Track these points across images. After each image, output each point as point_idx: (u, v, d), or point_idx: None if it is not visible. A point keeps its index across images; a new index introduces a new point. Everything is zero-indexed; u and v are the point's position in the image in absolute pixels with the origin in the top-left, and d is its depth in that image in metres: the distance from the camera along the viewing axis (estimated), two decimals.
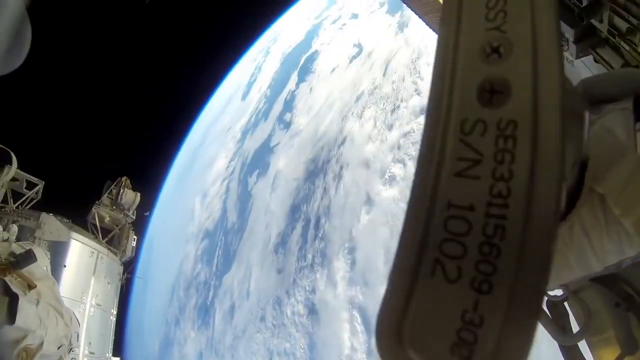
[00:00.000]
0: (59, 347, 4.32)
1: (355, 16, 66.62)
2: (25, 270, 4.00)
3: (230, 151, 73.94)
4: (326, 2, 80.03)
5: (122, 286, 13.13)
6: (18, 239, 7.97)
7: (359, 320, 32.82)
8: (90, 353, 10.27)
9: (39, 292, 4.05)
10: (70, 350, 5.49)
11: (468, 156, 0.43)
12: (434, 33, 12.59)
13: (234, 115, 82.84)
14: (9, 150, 11.34)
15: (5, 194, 11.85)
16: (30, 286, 3.91)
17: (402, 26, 48.31)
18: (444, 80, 0.46)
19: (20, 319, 3.27)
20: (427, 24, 11.90)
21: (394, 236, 26.80)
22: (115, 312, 12.20)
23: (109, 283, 11.88)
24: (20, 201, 12.20)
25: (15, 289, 3.41)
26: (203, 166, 79.97)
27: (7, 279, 3.53)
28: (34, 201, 12.64)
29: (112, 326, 12.00)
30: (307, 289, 39.25)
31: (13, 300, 3.22)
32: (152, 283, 70.55)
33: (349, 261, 35.49)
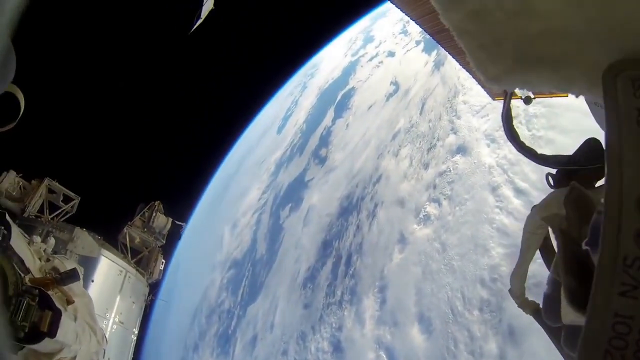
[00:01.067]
0: None
1: (391, 54, 67.92)
2: (66, 286, 4.13)
3: (263, 183, 75.07)
4: (362, 40, 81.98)
5: (146, 307, 13.36)
6: (52, 251, 8.40)
7: None
8: None
9: (75, 308, 4.17)
10: None
11: (629, 282, 0.83)
12: (468, 73, 12.95)
13: (268, 147, 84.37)
14: None
15: (42, 205, 12.49)
16: (69, 302, 4.04)
17: (438, 64, 48.81)
18: (613, 224, 0.87)
19: (60, 333, 3.31)
20: (460, 64, 12.24)
21: (426, 276, 26.51)
22: (136, 332, 12.26)
23: (133, 302, 12.04)
24: (56, 213, 12.71)
25: (57, 303, 3.45)
26: (235, 196, 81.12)
27: (50, 293, 3.54)
28: (69, 215, 13.07)
29: (132, 345, 12.04)
30: (334, 325, 38.80)
31: (56, 314, 3.27)
32: (175, 306, 70.87)
33: (378, 300, 35.01)
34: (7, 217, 3.50)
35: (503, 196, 29.03)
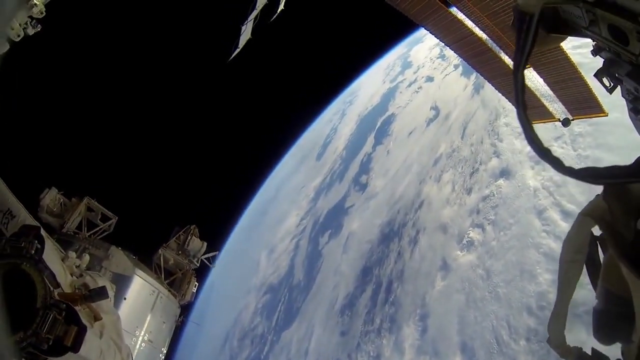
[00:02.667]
0: None
1: (430, 79, 68.51)
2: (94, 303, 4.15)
3: (302, 209, 75.55)
4: (400, 67, 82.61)
5: (176, 328, 13.67)
6: (87, 268, 8.77)
7: None
8: None
9: (102, 325, 4.21)
10: None
11: None
12: (502, 96, 13.08)
13: (308, 174, 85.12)
14: None
15: (81, 222, 13.02)
16: (97, 318, 4.08)
17: (478, 87, 48.87)
18: None
19: (84, 349, 3.30)
20: (495, 87, 12.43)
21: (470, 304, 26.11)
22: (165, 351, 12.42)
23: (164, 322, 12.23)
24: (93, 231, 13.21)
25: (83, 319, 3.43)
26: (273, 222, 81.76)
27: (77, 308, 3.55)
28: (106, 233, 13.54)
29: None
30: (372, 354, 38.38)
31: (81, 330, 3.26)
32: (207, 328, 71.15)
33: (419, 328, 34.51)
34: (42, 231, 3.58)
35: (550, 219, 28.62)
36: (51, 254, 3.77)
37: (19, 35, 5.76)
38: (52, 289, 3.32)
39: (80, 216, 12.94)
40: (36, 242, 3.38)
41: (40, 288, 3.13)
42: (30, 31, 6.04)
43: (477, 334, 29.02)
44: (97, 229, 13.42)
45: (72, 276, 4.50)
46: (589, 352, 2.45)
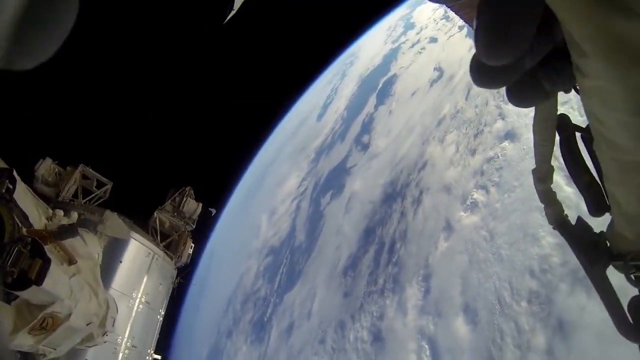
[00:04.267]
0: (87, 324, 4.47)
1: (434, 40, 67.36)
2: (69, 246, 4.22)
3: (303, 170, 75.86)
4: (402, 28, 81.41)
5: (173, 290, 14.09)
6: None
7: (428, 353, 31.93)
8: (133, 346, 10.96)
9: (78, 268, 4.27)
10: (105, 333, 5.65)
11: None
12: None
13: (308, 135, 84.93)
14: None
15: (77, 190, 13.17)
16: (71, 261, 4.14)
17: None
18: None
19: (48, 283, 3.35)
20: None
21: (473, 265, 26.66)
22: (162, 313, 12.77)
23: (160, 284, 12.53)
24: (89, 198, 13.45)
25: (51, 256, 3.48)
26: (273, 184, 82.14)
27: (48, 247, 3.59)
28: (102, 200, 13.81)
29: (158, 325, 12.59)
30: (375, 314, 39.09)
31: (45, 263, 3.31)
32: (209, 292, 72.67)
33: (422, 289, 35.05)
34: (15, 173, 3.75)
35: (555, 183, 28.30)
36: (23, 196, 3.97)
37: None
38: (20, 226, 3.54)
39: (76, 184, 13.18)
40: (7, 182, 3.65)
41: (9, 225, 3.26)
42: None
43: (480, 295, 29.52)
44: (93, 195, 13.68)
45: (48, 220, 4.69)
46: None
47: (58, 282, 3.56)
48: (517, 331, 25.99)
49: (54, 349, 3.95)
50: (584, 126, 2.59)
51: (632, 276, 2.09)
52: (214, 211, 17.80)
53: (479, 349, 27.74)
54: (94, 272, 4.81)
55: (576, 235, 2.61)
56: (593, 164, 2.38)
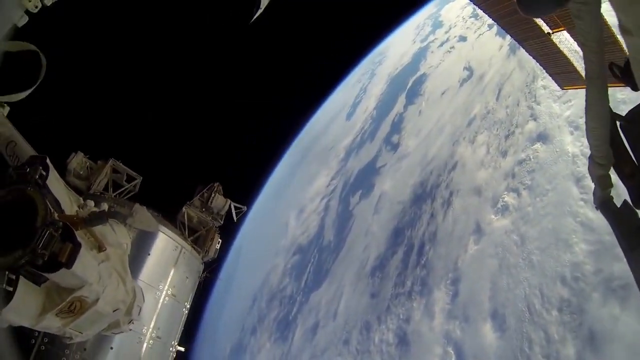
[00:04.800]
0: (114, 310, 4.52)
1: (463, 39, 66.88)
2: (99, 234, 4.32)
3: (332, 170, 75.91)
4: (431, 27, 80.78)
5: (200, 284, 14.20)
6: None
7: (453, 358, 31.78)
8: (157, 337, 10.87)
9: (107, 255, 4.36)
10: (130, 321, 5.77)
11: None
12: (533, 59, 12.69)
13: (337, 134, 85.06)
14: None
15: (107, 184, 13.39)
16: (101, 248, 4.25)
17: (514, 48, 46.77)
18: None
19: (78, 267, 3.45)
20: (527, 50, 12.05)
21: (503, 270, 26.28)
22: (188, 306, 13.03)
23: (187, 277, 12.39)
24: (119, 191, 13.41)
25: (81, 241, 3.58)
26: (302, 182, 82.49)
27: (78, 233, 3.68)
28: (132, 194, 13.75)
29: (184, 318, 12.91)
30: (401, 317, 38.88)
31: (76, 247, 3.43)
32: (235, 288, 73.32)
33: (450, 293, 34.72)
34: (48, 160, 3.85)
35: (588, 187, 27.34)
36: (56, 183, 4.01)
37: (36, 7, 5.78)
38: (52, 211, 3.59)
39: (106, 178, 13.25)
40: (41, 168, 3.71)
41: (42, 209, 3.37)
42: (48, 2, 6.01)
43: (509, 301, 29.09)
44: (123, 189, 13.65)
45: (79, 208, 4.70)
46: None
47: (87, 267, 3.70)
48: (546, 340, 25.50)
49: (80, 333, 4.12)
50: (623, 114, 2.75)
51: None
52: (244, 208, 17.90)
53: (506, 357, 27.35)
54: (122, 260, 4.90)
55: (619, 219, 2.68)
56: (634, 154, 2.53)
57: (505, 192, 35.31)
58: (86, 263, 3.75)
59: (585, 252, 25.39)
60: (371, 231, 52.18)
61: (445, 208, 42.19)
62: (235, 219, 17.05)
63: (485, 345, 29.13)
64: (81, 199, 5.31)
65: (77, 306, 3.88)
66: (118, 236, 5.18)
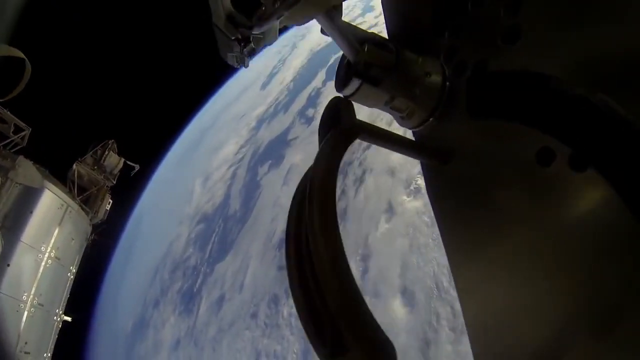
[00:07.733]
0: None
1: None
2: None
3: (242, 138, 74.37)
4: (361, 10, 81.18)
5: (87, 247, 13.30)
6: None
7: None
8: (39, 304, 10.35)
9: None
10: None
11: None
12: None
13: (250, 103, 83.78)
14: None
15: None
16: None
17: None
18: None
19: None
20: None
21: (413, 249, 26.85)
22: (74, 270, 12.15)
23: (73, 239, 12.00)
24: (4, 143, 12.45)
25: None
26: (210, 149, 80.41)
27: None
28: (19, 147, 12.89)
29: (69, 284, 11.99)
30: None
31: None
32: (136, 259, 70.55)
33: (360, 269, 35.02)
34: None
35: None
36: None
37: None
38: None
39: None
40: None
41: None
42: None
43: (418, 278, 30.01)
44: (8, 140, 12.63)
45: None
46: None
47: None
48: (453, 315, 26.57)
49: None
50: None
51: None
52: (137, 167, 16.92)
53: (415, 330, 28.16)
54: None
55: None
56: None
57: (419, 175, 35.93)
58: None
59: None
60: (279, 203, 51.47)
61: (357, 185, 42.41)
62: (131, 175, 16.11)
63: (395, 319, 29.65)
64: None
65: None
66: None
